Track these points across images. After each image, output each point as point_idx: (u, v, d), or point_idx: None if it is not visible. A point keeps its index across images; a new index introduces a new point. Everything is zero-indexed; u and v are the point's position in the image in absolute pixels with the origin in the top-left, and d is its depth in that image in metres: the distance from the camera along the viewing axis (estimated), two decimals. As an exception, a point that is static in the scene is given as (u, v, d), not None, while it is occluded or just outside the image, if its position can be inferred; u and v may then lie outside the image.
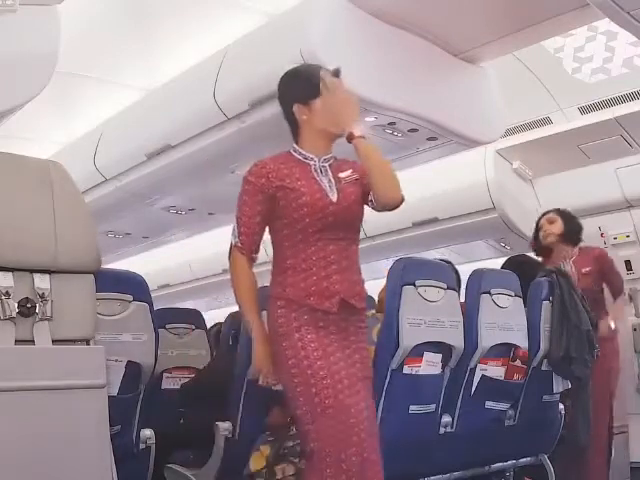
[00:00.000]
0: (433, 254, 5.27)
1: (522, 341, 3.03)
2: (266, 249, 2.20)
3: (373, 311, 2.88)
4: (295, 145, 2.17)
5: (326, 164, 2.15)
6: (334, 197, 2.10)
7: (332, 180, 2.12)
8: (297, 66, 2.25)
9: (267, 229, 2.16)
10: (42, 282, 1.76)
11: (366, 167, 2.11)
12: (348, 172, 2.16)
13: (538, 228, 3.90)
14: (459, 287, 3.08)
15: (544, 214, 3.94)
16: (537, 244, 3.90)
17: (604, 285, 3.83)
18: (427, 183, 4.86)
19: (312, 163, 2.13)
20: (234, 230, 2.12)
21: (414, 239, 5.24)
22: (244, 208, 2.10)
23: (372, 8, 3.11)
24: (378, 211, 2.16)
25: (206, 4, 3.56)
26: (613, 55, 3.91)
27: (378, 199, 2.10)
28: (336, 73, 2.15)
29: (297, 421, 2.01)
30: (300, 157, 2.13)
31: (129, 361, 2.46)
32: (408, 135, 3.57)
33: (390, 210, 2.14)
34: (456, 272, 3.10)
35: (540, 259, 3.82)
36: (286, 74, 2.21)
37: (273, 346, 2.07)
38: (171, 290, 7.57)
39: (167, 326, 3.30)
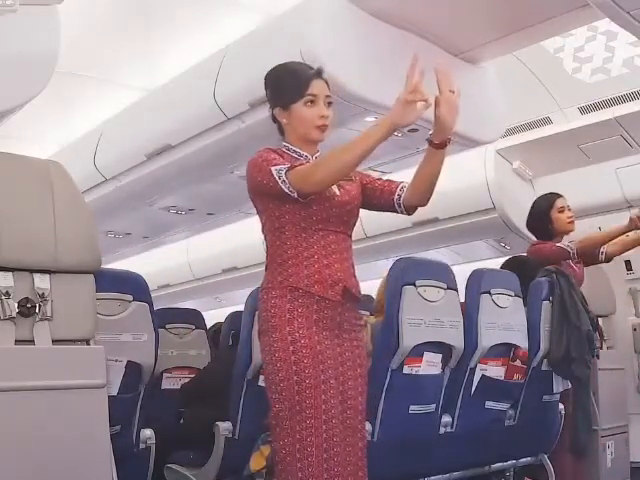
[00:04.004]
0: (433, 254, 5.27)
1: (522, 341, 3.03)
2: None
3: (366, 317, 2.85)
4: (285, 143, 2.15)
5: None
6: (337, 190, 2.10)
7: None
8: (280, 65, 2.19)
9: (263, 222, 2.13)
10: (42, 282, 1.76)
11: (429, 172, 2.13)
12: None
13: (555, 209, 3.63)
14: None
15: (554, 196, 3.69)
16: (544, 224, 3.64)
17: None
18: (427, 183, 4.86)
19: (305, 162, 2.10)
20: (278, 172, 1.98)
21: (414, 239, 5.24)
22: (276, 162, 2.01)
23: (372, 8, 3.11)
24: (399, 213, 2.24)
25: (206, 4, 3.56)
26: (613, 55, 3.91)
27: (416, 202, 2.24)
28: (319, 72, 2.12)
29: (274, 416, 1.99)
30: (294, 155, 2.12)
31: (129, 361, 2.46)
32: (408, 135, 3.57)
33: (410, 214, 2.27)
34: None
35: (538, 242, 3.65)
36: (268, 73, 2.19)
37: (263, 337, 2.04)
38: (171, 290, 7.57)
39: (167, 326, 3.29)
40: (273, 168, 2.00)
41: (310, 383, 1.95)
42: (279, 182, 1.99)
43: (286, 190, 1.98)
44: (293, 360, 1.96)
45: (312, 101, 2.08)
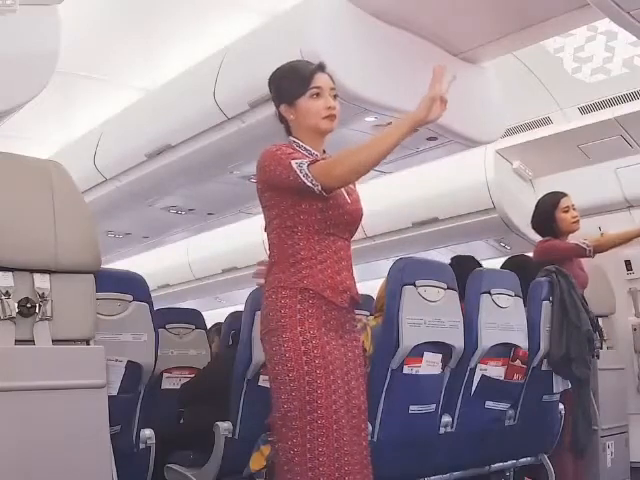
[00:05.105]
0: (433, 254, 5.27)
1: (522, 341, 3.03)
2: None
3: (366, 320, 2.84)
4: (294, 138, 2.13)
5: None
6: (347, 197, 2.11)
7: None
8: (283, 64, 2.20)
9: (271, 218, 2.09)
10: (42, 282, 1.76)
11: None
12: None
13: (560, 208, 3.60)
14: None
15: (558, 195, 3.65)
16: (548, 223, 3.60)
17: None
18: (427, 183, 4.87)
19: (321, 159, 2.09)
20: (299, 165, 1.96)
21: (414, 239, 5.24)
22: (295, 156, 2.00)
23: (372, 8, 3.11)
24: None
25: (206, 4, 3.56)
26: (613, 55, 3.90)
27: None
28: (321, 66, 2.13)
29: (282, 417, 1.98)
30: (304, 152, 2.10)
31: (129, 361, 2.46)
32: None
33: None
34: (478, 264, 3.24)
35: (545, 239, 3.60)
36: (272, 73, 2.19)
37: (270, 336, 2.02)
38: (171, 290, 7.57)
39: (167, 326, 3.30)
40: (293, 161, 1.98)
41: (321, 383, 1.95)
42: (300, 175, 1.96)
43: (308, 183, 1.95)
44: (305, 360, 1.96)
45: (317, 94, 2.07)
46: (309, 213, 2.02)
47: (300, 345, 1.97)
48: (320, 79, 2.09)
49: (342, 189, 2.10)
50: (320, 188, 1.95)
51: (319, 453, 1.93)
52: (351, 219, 2.11)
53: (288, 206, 2.03)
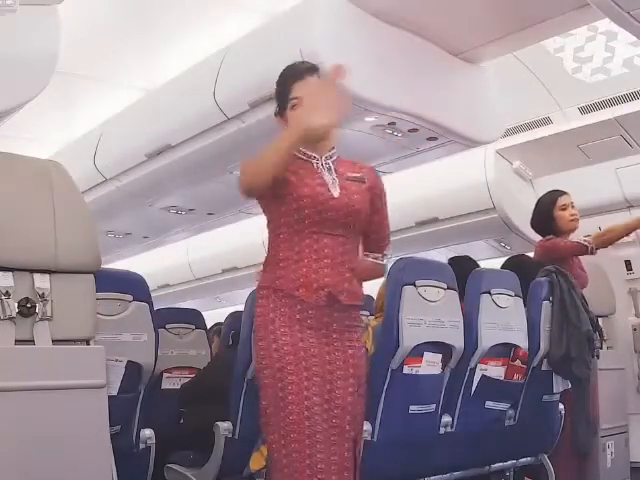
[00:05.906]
0: (433, 254, 5.27)
1: (522, 341, 3.03)
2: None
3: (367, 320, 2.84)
4: None
5: (330, 161, 2.13)
6: (336, 192, 2.08)
7: (335, 178, 2.11)
8: (285, 67, 2.18)
9: (266, 222, 2.14)
10: (42, 282, 1.76)
11: None
12: (356, 174, 2.16)
13: (558, 206, 3.60)
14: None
15: (556, 193, 3.65)
16: (547, 222, 3.59)
17: None
18: (427, 183, 4.87)
19: (315, 162, 2.11)
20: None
21: (414, 239, 5.24)
22: None
23: (372, 8, 3.11)
24: None
25: (206, 4, 3.56)
26: (613, 55, 3.91)
27: None
28: (315, 69, 2.13)
29: (263, 414, 2.01)
30: (303, 157, 2.10)
31: (129, 361, 2.46)
32: (408, 135, 3.57)
33: None
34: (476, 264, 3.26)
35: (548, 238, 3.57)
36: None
37: (253, 336, 2.10)
38: (171, 290, 7.57)
39: (167, 326, 3.30)
40: None
41: (292, 380, 1.96)
42: None
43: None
44: (276, 357, 1.98)
45: (297, 104, 2.07)
46: (288, 215, 2.04)
47: (272, 343, 1.99)
48: (298, 88, 2.08)
49: (330, 182, 2.09)
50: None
51: (292, 449, 1.93)
52: (337, 215, 2.06)
53: (272, 210, 2.09)
